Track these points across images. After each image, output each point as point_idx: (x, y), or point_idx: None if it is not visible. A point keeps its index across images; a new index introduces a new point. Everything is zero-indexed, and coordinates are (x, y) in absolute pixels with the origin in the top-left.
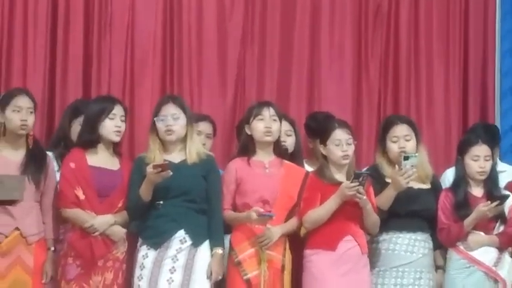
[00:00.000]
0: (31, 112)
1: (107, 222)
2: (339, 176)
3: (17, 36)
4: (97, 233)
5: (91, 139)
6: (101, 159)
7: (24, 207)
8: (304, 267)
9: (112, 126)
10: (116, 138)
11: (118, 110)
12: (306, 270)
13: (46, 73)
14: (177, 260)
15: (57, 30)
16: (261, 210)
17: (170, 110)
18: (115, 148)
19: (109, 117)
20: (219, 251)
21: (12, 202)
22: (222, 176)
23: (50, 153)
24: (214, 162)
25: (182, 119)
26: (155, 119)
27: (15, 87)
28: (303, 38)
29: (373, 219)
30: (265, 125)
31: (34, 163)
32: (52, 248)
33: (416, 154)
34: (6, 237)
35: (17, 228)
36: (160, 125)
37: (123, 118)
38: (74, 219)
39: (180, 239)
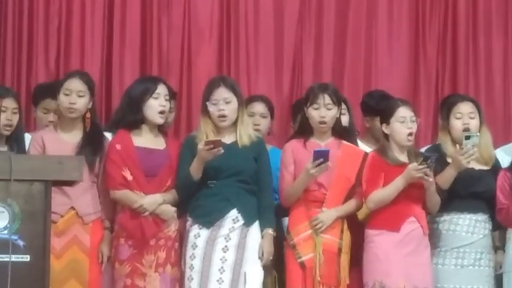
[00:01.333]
0: (81, 95)
1: (156, 201)
2: (402, 156)
3: (75, 18)
4: (146, 213)
5: (135, 119)
6: (146, 139)
7: (80, 187)
8: (365, 248)
9: (157, 105)
10: (160, 120)
11: (161, 89)
12: (368, 250)
13: (104, 54)
14: (230, 239)
15: (114, 11)
16: (316, 149)
17: (223, 94)
18: (160, 127)
19: (153, 97)
20: (269, 231)
21: (71, 183)
22: (280, 158)
23: (109, 134)
24: (263, 143)
25: (234, 103)
26: (207, 103)
27: (72, 70)
28: (360, 17)
29: (436, 200)
30: (320, 115)
31: (90, 145)
32: (108, 229)
33: (478, 134)
34: (62, 216)
35: (72, 208)
36: (213, 109)
37: (167, 97)
38: (123, 200)
39: (233, 218)
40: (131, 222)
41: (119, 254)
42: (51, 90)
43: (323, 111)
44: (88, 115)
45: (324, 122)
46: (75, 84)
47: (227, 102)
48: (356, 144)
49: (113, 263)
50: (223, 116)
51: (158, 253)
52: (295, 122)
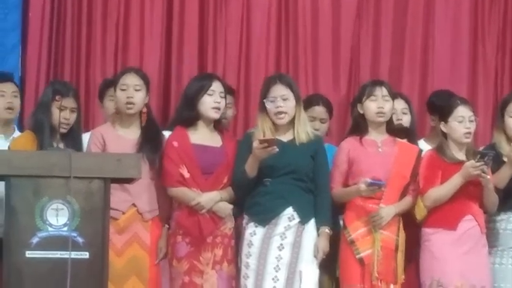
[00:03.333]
0: (138, 89)
1: (213, 199)
2: (460, 155)
3: (133, 14)
4: (203, 210)
5: (190, 116)
6: (202, 136)
7: (140, 184)
8: (422, 247)
9: (211, 102)
10: (215, 115)
11: (216, 86)
12: (424, 249)
13: (162, 51)
14: (285, 237)
15: (173, 7)
16: (369, 180)
17: (280, 91)
18: (216, 124)
19: (207, 94)
20: (326, 229)
21: (129, 180)
22: (334, 156)
23: (170, 133)
24: (322, 142)
25: (291, 100)
26: (264, 100)
27: (128, 66)
28: (417, 15)
29: (493, 198)
30: (378, 105)
31: (150, 142)
32: (167, 226)
33: None
34: (123, 213)
35: (133, 205)
36: (270, 107)
37: (222, 94)
38: (181, 198)
39: (288, 216)
40: (189, 220)
41: (176, 252)
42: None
43: (380, 102)
44: (145, 110)
45: (382, 113)
46: (131, 79)
47: (284, 99)
48: (416, 143)
49: (170, 260)
50: (281, 113)
51: (215, 250)
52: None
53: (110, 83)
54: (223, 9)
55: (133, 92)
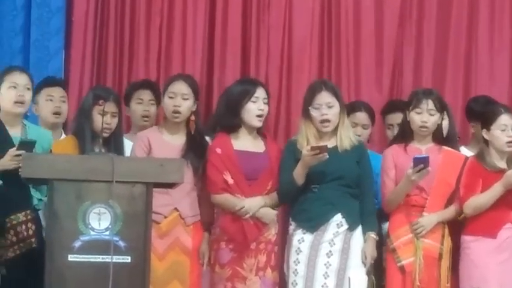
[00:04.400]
0: (185, 98)
1: (257, 204)
2: (501, 163)
3: (176, 20)
4: (247, 215)
5: (233, 123)
6: (245, 142)
7: (183, 189)
8: (462, 254)
9: (255, 109)
10: (259, 124)
11: (260, 93)
12: (464, 257)
13: (204, 56)
14: (334, 243)
15: (215, 12)
16: (416, 155)
17: (325, 99)
18: (258, 130)
19: (251, 100)
20: (372, 235)
21: (172, 185)
22: (381, 163)
23: (207, 138)
24: (365, 147)
25: (336, 107)
26: (309, 108)
27: (176, 74)
28: (461, 18)
29: None
30: (422, 119)
31: (194, 148)
32: (208, 231)
33: None
34: (166, 217)
35: (176, 209)
36: (316, 114)
37: (266, 101)
38: (225, 204)
39: (337, 223)
40: (233, 226)
41: (219, 258)
42: (143, 83)
43: (425, 116)
44: (193, 118)
45: (425, 127)
46: (179, 87)
47: (329, 107)
48: (457, 149)
49: (213, 266)
50: (326, 121)
51: (259, 257)
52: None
53: (137, 85)
54: (266, 14)
55: (180, 100)
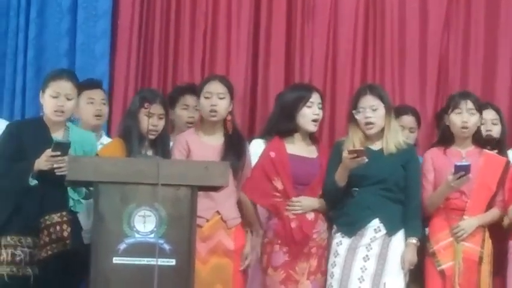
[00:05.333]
0: (221, 98)
1: (312, 204)
2: None
3: (220, 24)
4: (299, 211)
5: (288, 128)
6: (299, 147)
7: (224, 191)
8: (509, 259)
9: (310, 114)
10: (314, 128)
11: (315, 98)
12: (511, 261)
13: (249, 60)
14: (371, 248)
15: (260, 16)
16: (457, 163)
17: (369, 102)
18: (311, 135)
19: (306, 105)
20: (413, 240)
21: (216, 188)
22: (420, 167)
23: (261, 140)
24: (414, 151)
25: (381, 110)
26: (353, 111)
27: (213, 74)
28: (509, 23)
29: None
30: (462, 119)
31: (234, 149)
32: (250, 232)
33: None
34: (208, 221)
35: (217, 212)
36: (359, 117)
37: (320, 106)
38: (274, 209)
39: (375, 228)
40: (285, 230)
41: (273, 261)
42: (189, 88)
43: (465, 116)
44: (229, 117)
45: (466, 127)
46: (215, 87)
47: (374, 110)
48: (506, 155)
49: (265, 269)
50: (370, 124)
51: (311, 261)
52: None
53: (183, 90)
54: (310, 20)
55: (216, 100)
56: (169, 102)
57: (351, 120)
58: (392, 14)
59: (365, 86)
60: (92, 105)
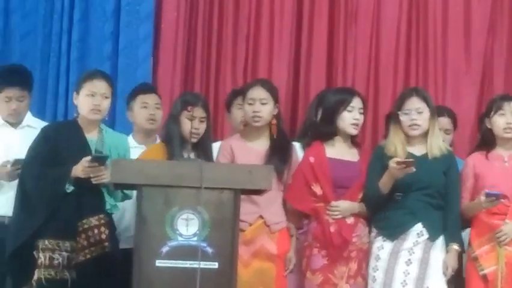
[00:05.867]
0: (264, 103)
1: (352, 209)
2: None
3: (263, 28)
4: (338, 216)
5: (328, 131)
6: (339, 150)
7: (268, 195)
8: None
9: (350, 118)
10: (354, 131)
11: (356, 102)
12: None
13: (291, 64)
14: (413, 252)
15: (302, 20)
16: (486, 191)
17: (415, 104)
18: (353, 139)
19: (347, 110)
20: (455, 246)
21: (260, 192)
22: (460, 171)
23: (297, 144)
24: (454, 157)
25: (426, 113)
26: (399, 112)
27: (256, 78)
28: None
29: None
30: (507, 121)
31: (278, 153)
32: (295, 236)
33: None
34: (251, 225)
35: (261, 217)
36: (404, 119)
37: (361, 110)
38: (314, 213)
39: (417, 232)
40: (325, 233)
41: (312, 264)
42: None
43: (509, 118)
44: (274, 122)
45: (510, 128)
46: (257, 93)
47: (419, 112)
48: None
49: (304, 272)
50: (415, 125)
51: (350, 264)
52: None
53: (238, 93)
54: (353, 23)
55: (259, 106)
56: (225, 106)
57: (394, 121)
58: (435, 16)
59: (410, 88)
60: (145, 109)
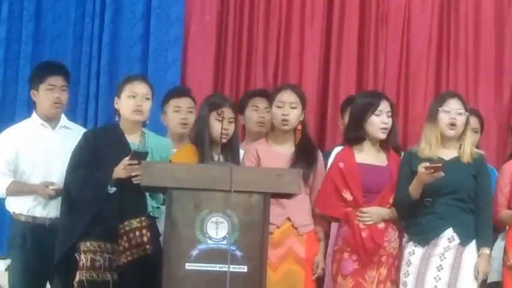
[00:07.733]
0: (293, 107)
1: (381, 215)
2: None
3: (294, 32)
4: (369, 222)
5: (356, 136)
6: (368, 155)
7: (295, 199)
8: None
9: (379, 122)
10: (383, 136)
11: (384, 106)
12: None
13: (320, 67)
14: (445, 258)
15: (332, 24)
16: None
17: (456, 105)
18: (382, 143)
19: (375, 114)
20: (486, 250)
21: (289, 195)
22: (496, 178)
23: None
24: (484, 161)
25: (463, 116)
26: (439, 109)
27: (286, 83)
28: None
29: None
30: None
31: (303, 158)
32: (323, 241)
33: None
34: (278, 227)
35: (288, 219)
36: (444, 116)
37: (389, 114)
38: (345, 218)
39: (448, 238)
40: (356, 238)
41: (342, 269)
42: (258, 91)
43: None
44: (299, 127)
45: None
46: (288, 96)
47: (459, 114)
48: None
49: (335, 276)
50: (455, 125)
51: (380, 269)
52: None
53: (252, 94)
54: (384, 25)
55: (288, 109)
56: (239, 107)
57: (431, 120)
58: (466, 18)
59: (450, 91)
60: (178, 113)
